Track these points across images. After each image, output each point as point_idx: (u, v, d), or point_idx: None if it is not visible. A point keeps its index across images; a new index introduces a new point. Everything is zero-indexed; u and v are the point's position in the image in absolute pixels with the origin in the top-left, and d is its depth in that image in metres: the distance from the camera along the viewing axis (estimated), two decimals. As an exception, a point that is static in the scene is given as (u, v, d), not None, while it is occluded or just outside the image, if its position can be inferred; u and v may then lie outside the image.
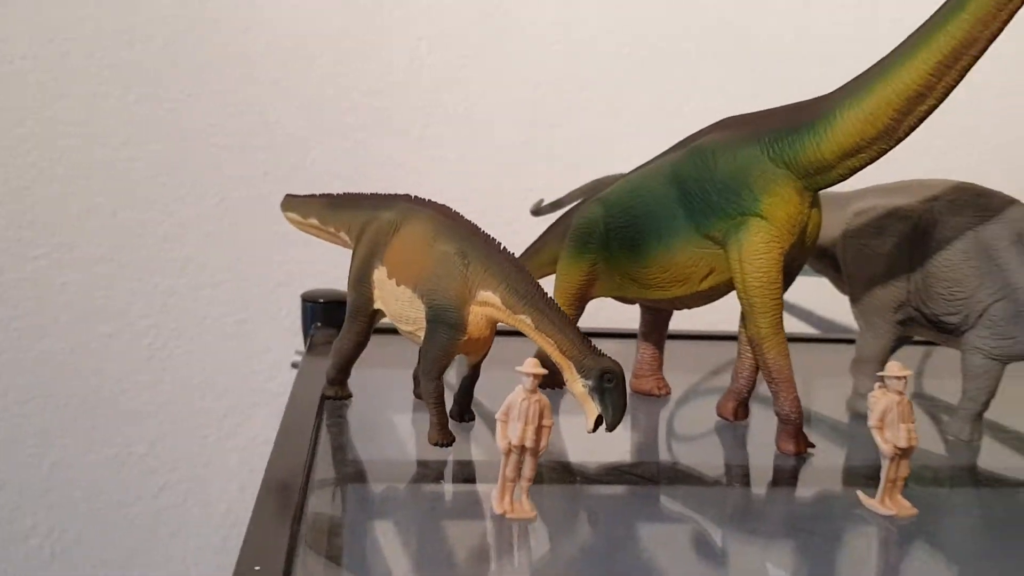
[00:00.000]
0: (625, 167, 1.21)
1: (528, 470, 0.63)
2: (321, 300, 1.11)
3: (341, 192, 0.88)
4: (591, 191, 1.16)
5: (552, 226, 0.96)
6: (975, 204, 0.83)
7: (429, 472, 0.72)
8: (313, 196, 0.90)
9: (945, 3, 0.68)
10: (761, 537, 0.64)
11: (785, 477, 0.75)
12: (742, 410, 0.85)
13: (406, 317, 0.76)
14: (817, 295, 1.06)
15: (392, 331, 1.06)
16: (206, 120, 1.21)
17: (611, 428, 0.66)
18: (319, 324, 1.10)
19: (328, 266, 1.22)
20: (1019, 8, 0.65)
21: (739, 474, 0.76)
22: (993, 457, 0.83)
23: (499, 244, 0.74)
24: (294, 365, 1.12)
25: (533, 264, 0.97)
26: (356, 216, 0.84)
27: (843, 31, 1.25)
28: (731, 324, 0.87)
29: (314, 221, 0.89)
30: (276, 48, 1.20)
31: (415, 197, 0.81)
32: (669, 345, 0.95)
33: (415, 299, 0.75)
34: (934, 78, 0.67)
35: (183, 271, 1.24)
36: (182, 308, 1.25)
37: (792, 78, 1.22)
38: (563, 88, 1.20)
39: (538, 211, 1.16)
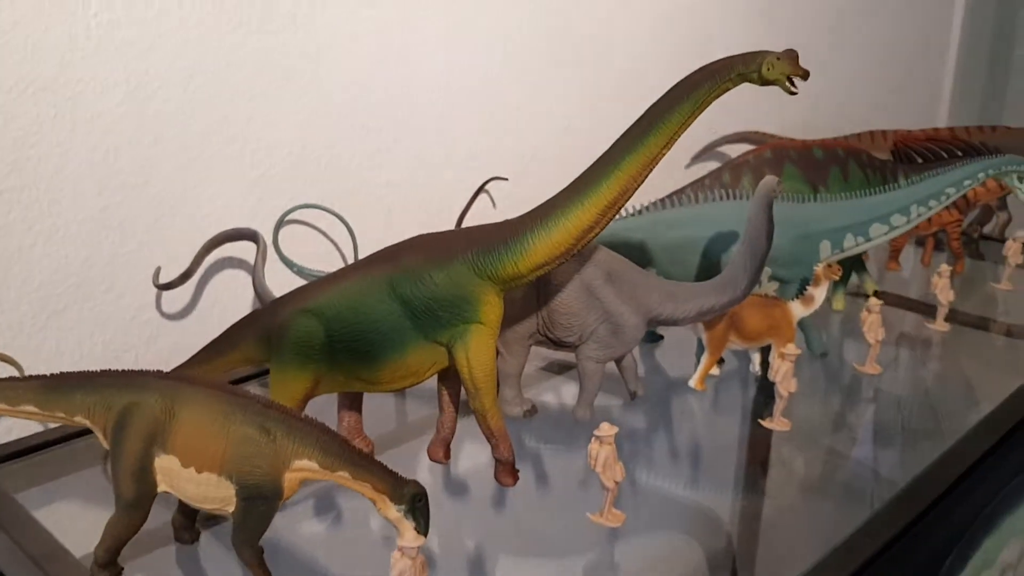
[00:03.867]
0: (214, 224, 1.23)
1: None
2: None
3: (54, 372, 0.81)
4: (216, 245, 1.19)
5: (243, 327, 0.99)
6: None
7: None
8: (12, 379, 0.81)
9: (603, 157, 0.90)
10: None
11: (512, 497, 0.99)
12: (447, 453, 1.05)
13: (211, 498, 0.79)
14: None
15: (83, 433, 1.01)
16: None
17: (425, 535, 0.82)
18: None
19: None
20: (658, 162, 0.91)
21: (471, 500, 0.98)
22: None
23: (294, 410, 0.80)
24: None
25: (225, 361, 1.01)
26: (100, 399, 0.80)
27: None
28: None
29: (30, 408, 0.81)
30: None
31: (164, 372, 0.81)
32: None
33: (222, 482, 0.78)
34: (602, 216, 0.91)
35: None
36: None
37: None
38: (141, 142, 1.16)
39: (168, 284, 1.15)
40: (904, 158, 1.55)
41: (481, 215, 1.56)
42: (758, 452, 1.15)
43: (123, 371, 0.81)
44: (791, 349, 1.13)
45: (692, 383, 1.25)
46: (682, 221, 1.32)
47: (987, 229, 2.05)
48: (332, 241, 1.39)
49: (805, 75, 0.87)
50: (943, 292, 1.46)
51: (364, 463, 0.79)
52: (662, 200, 1.42)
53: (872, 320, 1.30)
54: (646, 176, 0.92)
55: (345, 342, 0.94)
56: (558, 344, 1.14)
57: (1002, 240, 1.92)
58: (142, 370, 0.81)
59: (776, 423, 1.16)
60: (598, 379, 1.14)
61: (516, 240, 0.93)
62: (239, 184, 1.26)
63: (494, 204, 1.59)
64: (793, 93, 0.88)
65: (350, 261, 1.38)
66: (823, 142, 1.53)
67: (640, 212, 1.35)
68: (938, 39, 2.76)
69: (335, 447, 0.79)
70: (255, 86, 1.25)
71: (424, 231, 1.52)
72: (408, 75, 1.44)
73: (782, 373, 1.13)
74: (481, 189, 1.53)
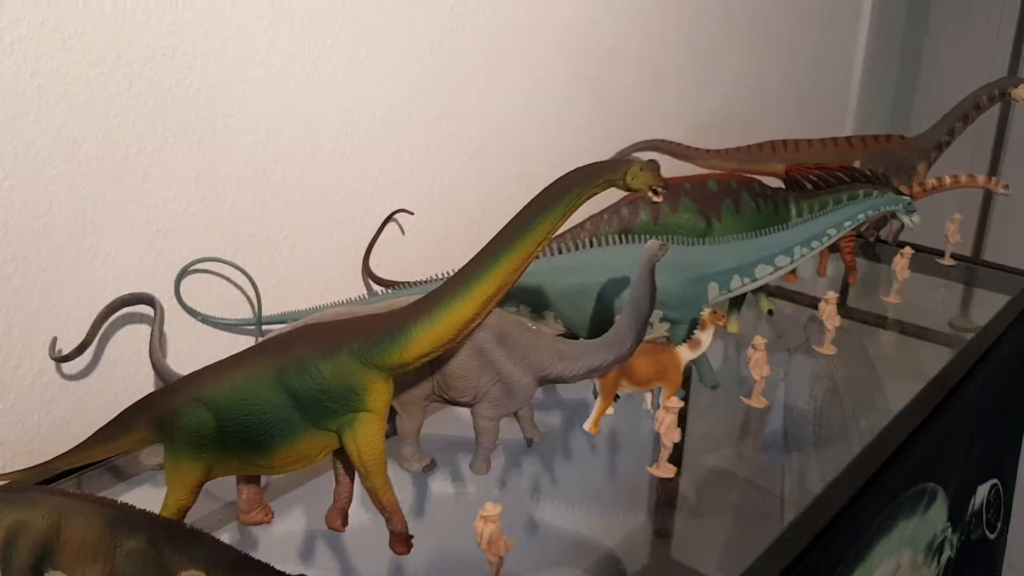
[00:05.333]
0: (112, 285, 1.23)
1: None
2: None
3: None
4: (112, 311, 1.20)
5: (137, 411, 1.02)
6: (466, 318, 1.14)
7: None
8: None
9: (481, 253, 0.94)
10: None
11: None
12: (345, 520, 1.09)
13: None
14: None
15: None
16: None
17: None
18: None
19: None
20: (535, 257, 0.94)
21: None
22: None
23: (180, 522, 0.83)
24: None
25: (120, 444, 1.03)
26: (-15, 515, 0.82)
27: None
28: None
29: None
30: None
31: (51, 487, 0.83)
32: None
33: None
34: (482, 309, 0.95)
35: None
36: None
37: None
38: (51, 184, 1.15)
39: (66, 357, 1.16)
40: (796, 185, 1.61)
41: (391, 245, 1.59)
42: (654, 494, 1.21)
43: (7, 486, 0.83)
44: (674, 402, 1.19)
45: (586, 427, 1.31)
46: (578, 267, 1.36)
47: (882, 233, 2.13)
48: (237, 286, 1.41)
49: (665, 185, 0.91)
50: (830, 318, 1.54)
51: (251, 569, 0.83)
52: (561, 237, 1.46)
53: (758, 357, 1.37)
54: (524, 270, 0.96)
55: (236, 432, 0.97)
56: (453, 403, 1.18)
57: (897, 245, 2.00)
58: (28, 486, 0.83)
59: (662, 469, 1.22)
60: (493, 435, 1.19)
61: (400, 331, 0.96)
62: (136, 242, 1.26)
63: (403, 232, 1.62)
64: (656, 202, 0.92)
65: (255, 306, 1.40)
66: (716, 175, 1.58)
67: (538, 256, 1.38)
68: (846, 44, 2.82)
69: (222, 557, 0.83)
70: (148, 143, 1.25)
71: (329, 269, 1.54)
72: (309, 113, 1.44)
73: (665, 425, 1.19)
74: (387, 222, 1.55)
